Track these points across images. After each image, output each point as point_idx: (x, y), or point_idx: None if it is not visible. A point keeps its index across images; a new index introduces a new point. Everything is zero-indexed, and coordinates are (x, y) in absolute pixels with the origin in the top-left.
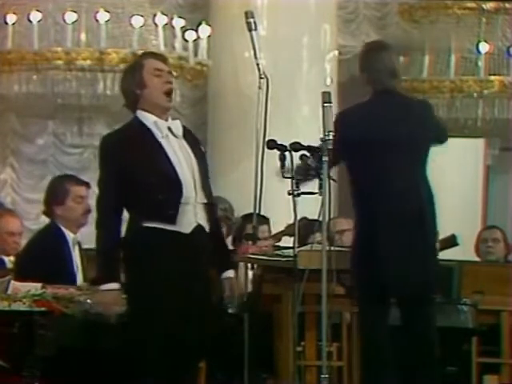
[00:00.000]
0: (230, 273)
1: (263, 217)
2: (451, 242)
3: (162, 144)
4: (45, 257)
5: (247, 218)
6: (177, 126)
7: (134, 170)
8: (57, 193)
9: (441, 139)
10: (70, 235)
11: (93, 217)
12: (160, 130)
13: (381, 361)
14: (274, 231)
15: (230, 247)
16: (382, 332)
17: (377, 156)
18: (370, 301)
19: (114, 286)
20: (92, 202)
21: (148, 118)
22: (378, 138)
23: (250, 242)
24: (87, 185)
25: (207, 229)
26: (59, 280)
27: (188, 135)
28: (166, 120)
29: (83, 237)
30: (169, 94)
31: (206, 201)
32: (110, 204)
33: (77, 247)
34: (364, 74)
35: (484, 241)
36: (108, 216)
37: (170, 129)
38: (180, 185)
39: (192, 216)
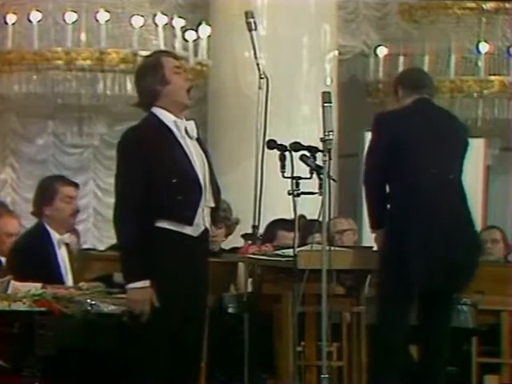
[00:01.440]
0: None
1: (292, 222)
2: None
3: (182, 144)
4: (29, 257)
5: (276, 223)
6: (192, 127)
7: (155, 168)
8: (45, 193)
9: None
10: (55, 236)
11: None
12: (179, 129)
13: (394, 362)
14: None
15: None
16: (402, 333)
17: (422, 157)
18: (397, 300)
19: (145, 283)
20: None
21: (167, 117)
22: (425, 140)
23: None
24: (76, 185)
25: (211, 233)
26: (45, 281)
27: (199, 136)
28: (182, 119)
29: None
30: (189, 91)
31: (213, 205)
32: (131, 201)
33: (64, 248)
34: (399, 90)
35: (483, 242)
36: (130, 213)
37: (186, 129)
38: (200, 187)
39: (201, 219)
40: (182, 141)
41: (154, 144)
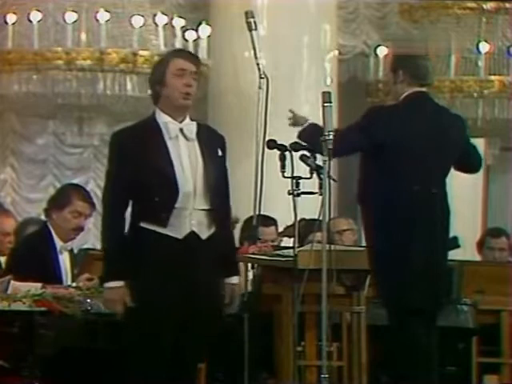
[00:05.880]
0: (232, 279)
1: (270, 218)
2: (453, 243)
3: (167, 145)
4: (30, 258)
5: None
6: (190, 128)
7: (136, 168)
8: (60, 198)
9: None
10: (59, 242)
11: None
12: (169, 131)
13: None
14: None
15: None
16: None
17: (409, 161)
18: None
19: (118, 283)
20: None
21: (162, 118)
22: (414, 143)
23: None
24: (92, 204)
25: (204, 236)
26: (44, 283)
27: (207, 137)
28: (182, 121)
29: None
30: (187, 95)
31: (207, 207)
32: (115, 200)
33: (66, 254)
34: (400, 72)
35: (490, 249)
36: (113, 212)
37: (181, 130)
38: (176, 189)
39: (187, 222)
40: (168, 142)
41: (140, 144)
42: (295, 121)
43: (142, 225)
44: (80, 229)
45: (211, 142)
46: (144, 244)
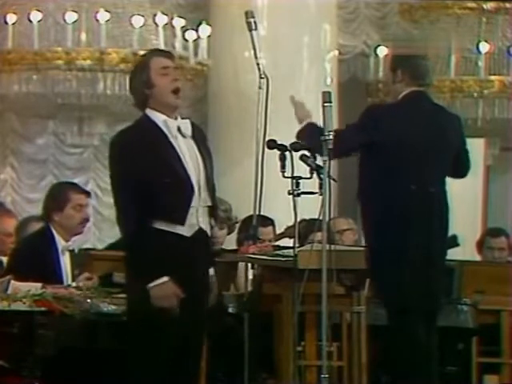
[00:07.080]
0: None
1: (268, 218)
2: (452, 242)
3: (173, 144)
4: (32, 259)
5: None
6: (186, 126)
7: (146, 169)
8: (57, 199)
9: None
10: (61, 242)
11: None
12: (170, 129)
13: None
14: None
15: (233, 247)
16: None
17: (407, 160)
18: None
19: (164, 279)
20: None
21: (158, 117)
22: (412, 142)
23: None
24: (88, 194)
25: (208, 232)
26: (45, 283)
27: (197, 134)
28: (176, 119)
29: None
30: (176, 91)
31: (209, 204)
32: (127, 203)
33: (68, 254)
34: (398, 72)
35: (490, 248)
36: (129, 215)
37: (179, 128)
38: (192, 186)
39: (194, 219)
40: (173, 140)
41: (145, 145)
42: (297, 111)
43: (151, 225)
44: (86, 220)
45: (203, 139)
46: (154, 243)
